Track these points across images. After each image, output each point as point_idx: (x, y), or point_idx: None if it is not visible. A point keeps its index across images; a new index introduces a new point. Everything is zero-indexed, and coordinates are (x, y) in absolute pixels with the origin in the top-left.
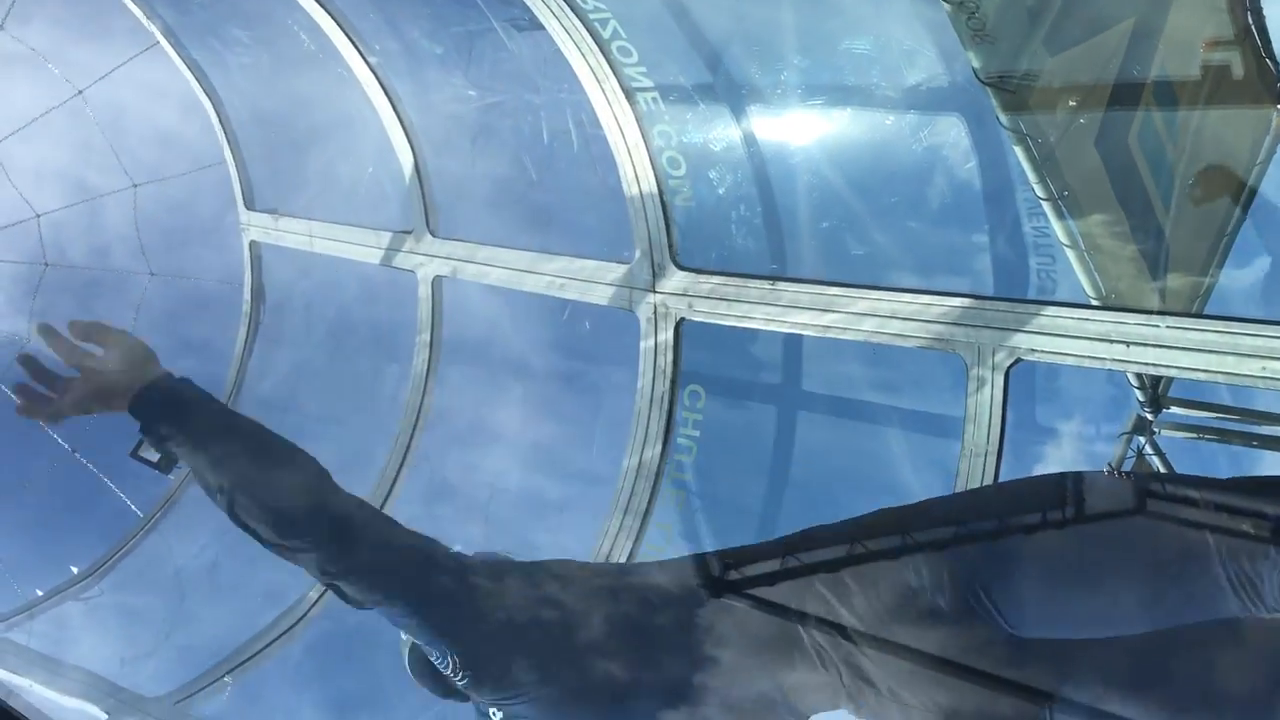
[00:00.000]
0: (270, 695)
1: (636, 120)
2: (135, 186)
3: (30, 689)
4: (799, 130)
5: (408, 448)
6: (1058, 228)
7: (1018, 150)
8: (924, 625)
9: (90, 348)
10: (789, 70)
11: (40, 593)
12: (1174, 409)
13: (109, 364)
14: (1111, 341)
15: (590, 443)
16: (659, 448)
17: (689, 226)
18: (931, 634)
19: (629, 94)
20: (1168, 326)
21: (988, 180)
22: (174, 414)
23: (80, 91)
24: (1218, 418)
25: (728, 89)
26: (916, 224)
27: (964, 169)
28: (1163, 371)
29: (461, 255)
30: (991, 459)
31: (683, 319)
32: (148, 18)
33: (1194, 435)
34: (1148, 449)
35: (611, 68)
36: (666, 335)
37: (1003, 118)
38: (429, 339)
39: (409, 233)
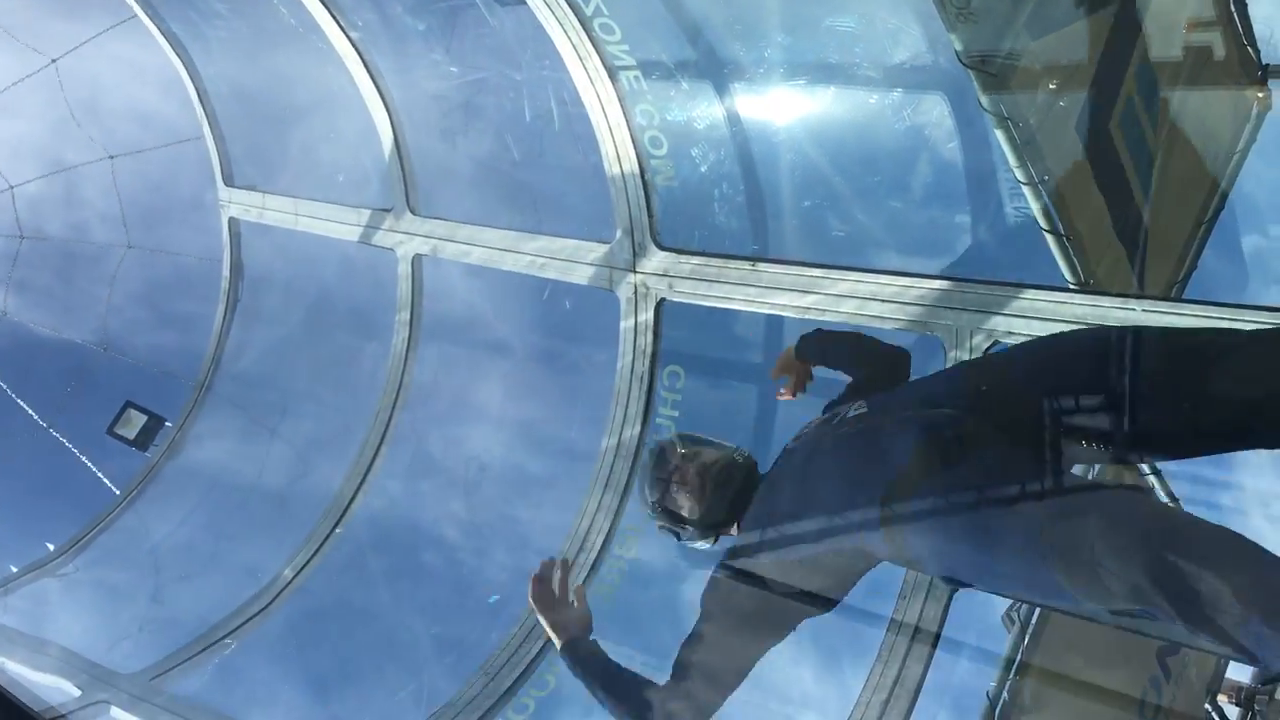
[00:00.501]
0: (247, 671)
1: (618, 98)
2: (112, 159)
3: (3, 664)
4: (782, 109)
5: (388, 424)
6: (1037, 211)
7: (999, 133)
8: None
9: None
10: (772, 48)
11: (15, 569)
12: None
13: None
14: (1088, 324)
15: (570, 421)
16: (639, 427)
17: (671, 206)
18: None
19: (611, 72)
20: (1143, 309)
21: (970, 161)
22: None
23: (53, 61)
24: None
25: (711, 67)
26: (899, 204)
27: (947, 149)
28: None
29: (442, 234)
30: None
31: (663, 299)
32: None
33: None
34: None
35: (594, 45)
36: (647, 315)
37: (984, 100)
38: (409, 317)
39: (389, 210)
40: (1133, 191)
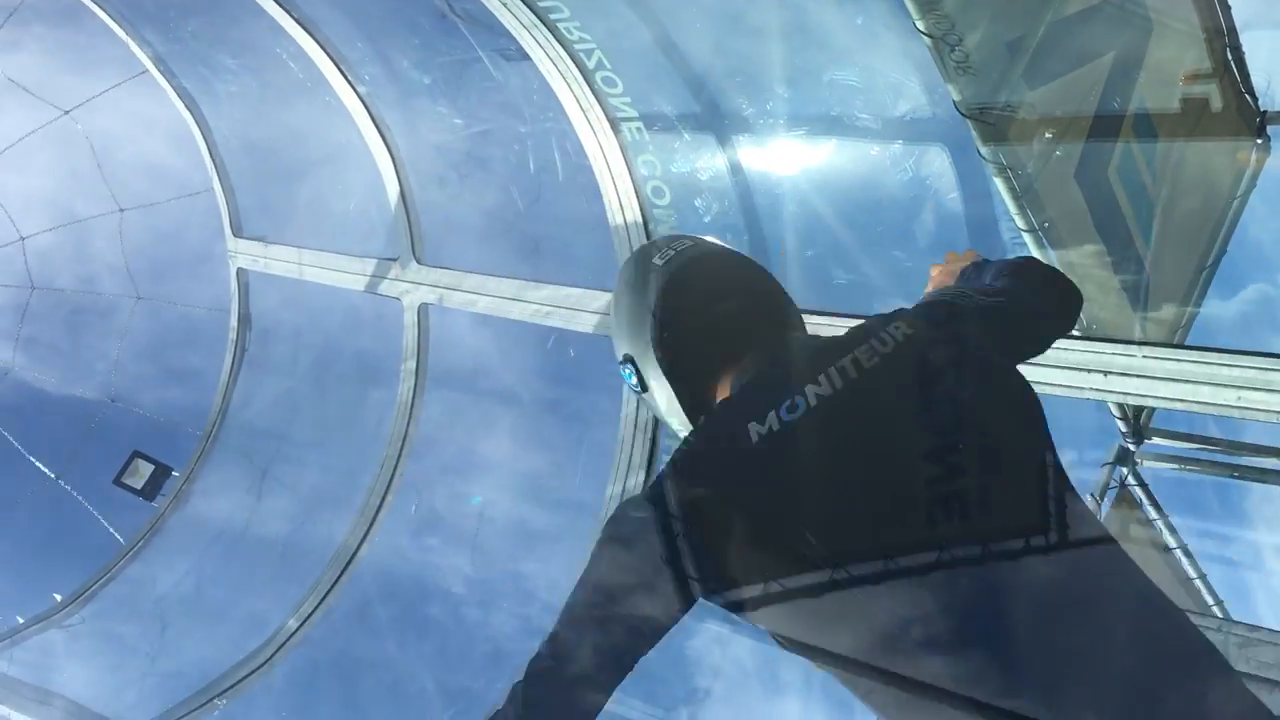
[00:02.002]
0: None
1: (621, 150)
2: (122, 211)
3: (11, 717)
4: (784, 160)
5: (393, 475)
6: (1039, 259)
7: (998, 182)
8: None
9: None
10: (774, 100)
11: (21, 620)
12: (1156, 440)
13: None
14: (1090, 371)
15: (575, 470)
16: (642, 474)
17: None
18: None
19: (614, 124)
20: (1144, 356)
21: (971, 211)
22: None
23: (67, 112)
24: (1200, 448)
25: (713, 119)
26: (901, 253)
27: (948, 199)
28: (1139, 401)
29: (448, 283)
30: None
31: None
32: (137, 45)
33: (1176, 466)
34: (1130, 479)
35: (596, 98)
36: None
37: (983, 150)
38: (414, 366)
39: (395, 260)
40: (1133, 238)
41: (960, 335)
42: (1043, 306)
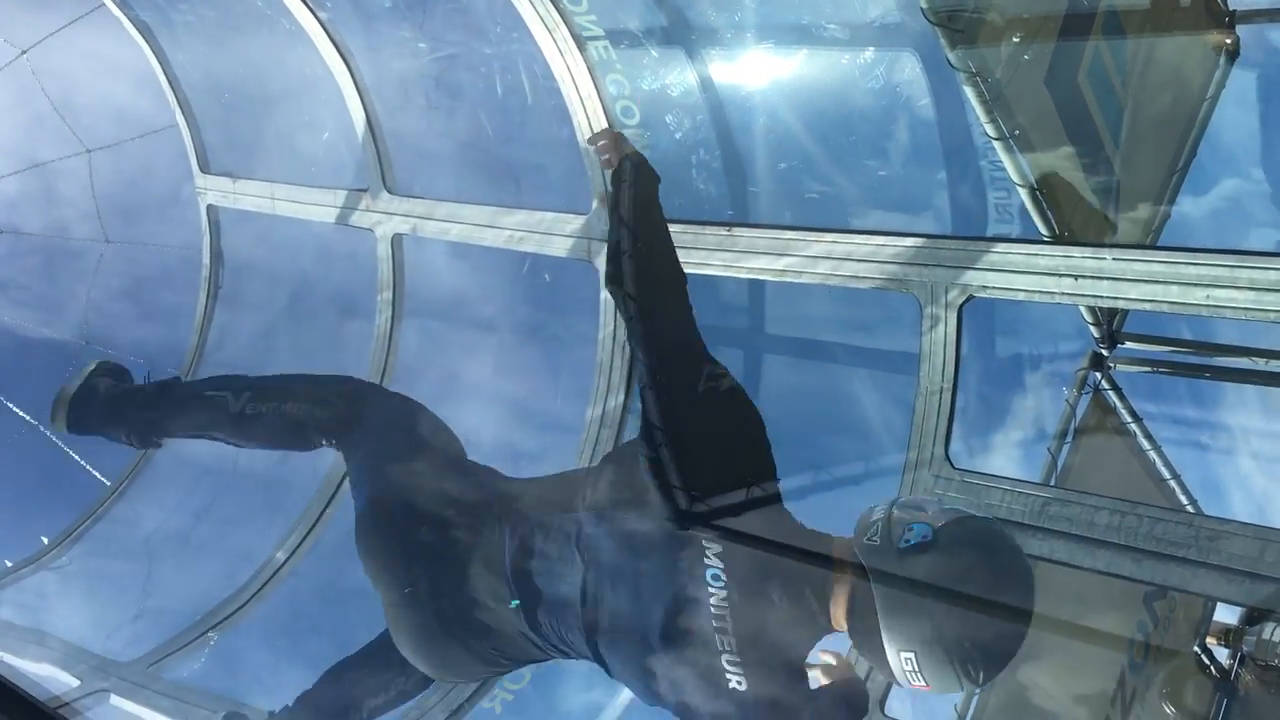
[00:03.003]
0: (245, 655)
1: (589, 69)
2: (89, 152)
3: (5, 659)
4: (754, 73)
5: None
6: (1010, 166)
7: (968, 90)
8: None
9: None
10: (742, 12)
11: (10, 564)
12: (1130, 344)
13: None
14: (1060, 275)
15: (555, 393)
16: (622, 397)
17: None
18: None
19: (580, 42)
20: (1114, 258)
21: (944, 117)
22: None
23: (24, 52)
24: (1173, 351)
25: (680, 33)
26: (874, 164)
27: (919, 107)
28: (1109, 303)
29: (420, 212)
30: (946, 396)
31: None
32: None
33: (1150, 369)
34: (1104, 384)
35: (561, 16)
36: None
37: (951, 57)
38: (390, 297)
39: (365, 190)
40: (1103, 142)
41: None
42: None
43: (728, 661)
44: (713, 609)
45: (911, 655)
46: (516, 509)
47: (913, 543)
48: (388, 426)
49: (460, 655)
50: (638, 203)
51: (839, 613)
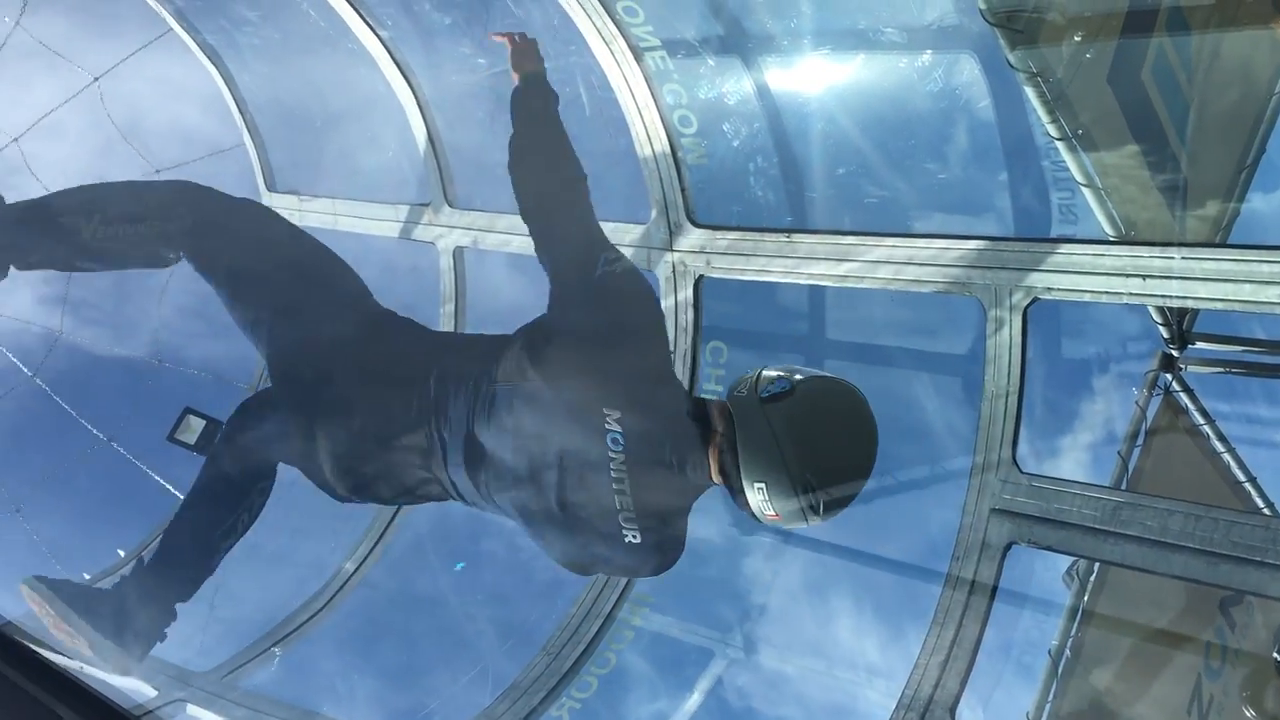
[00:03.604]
0: (316, 663)
1: (646, 80)
2: (158, 172)
3: (80, 670)
4: (811, 78)
5: None
6: (1073, 166)
7: (1028, 90)
8: None
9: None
10: (798, 18)
11: (88, 576)
12: (1201, 344)
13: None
14: (1128, 275)
15: None
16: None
17: (706, 182)
18: None
19: (637, 54)
20: (1183, 257)
21: (1004, 118)
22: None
23: (96, 79)
24: (1246, 351)
25: (736, 41)
26: (933, 167)
27: (979, 109)
28: (1179, 303)
29: (481, 225)
30: (1013, 399)
31: (701, 276)
32: (157, 2)
33: (1222, 369)
34: (1175, 386)
35: (619, 29)
36: (686, 293)
37: (1011, 58)
38: (453, 309)
39: (427, 205)
40: (1169, 140)
41: None
42: None
43: (624, 519)
44: (612, 473)
45: (762, 485)
46: (442, 361)
47: (773, 392)
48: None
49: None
50: (530, 112)
51: (714, 465)
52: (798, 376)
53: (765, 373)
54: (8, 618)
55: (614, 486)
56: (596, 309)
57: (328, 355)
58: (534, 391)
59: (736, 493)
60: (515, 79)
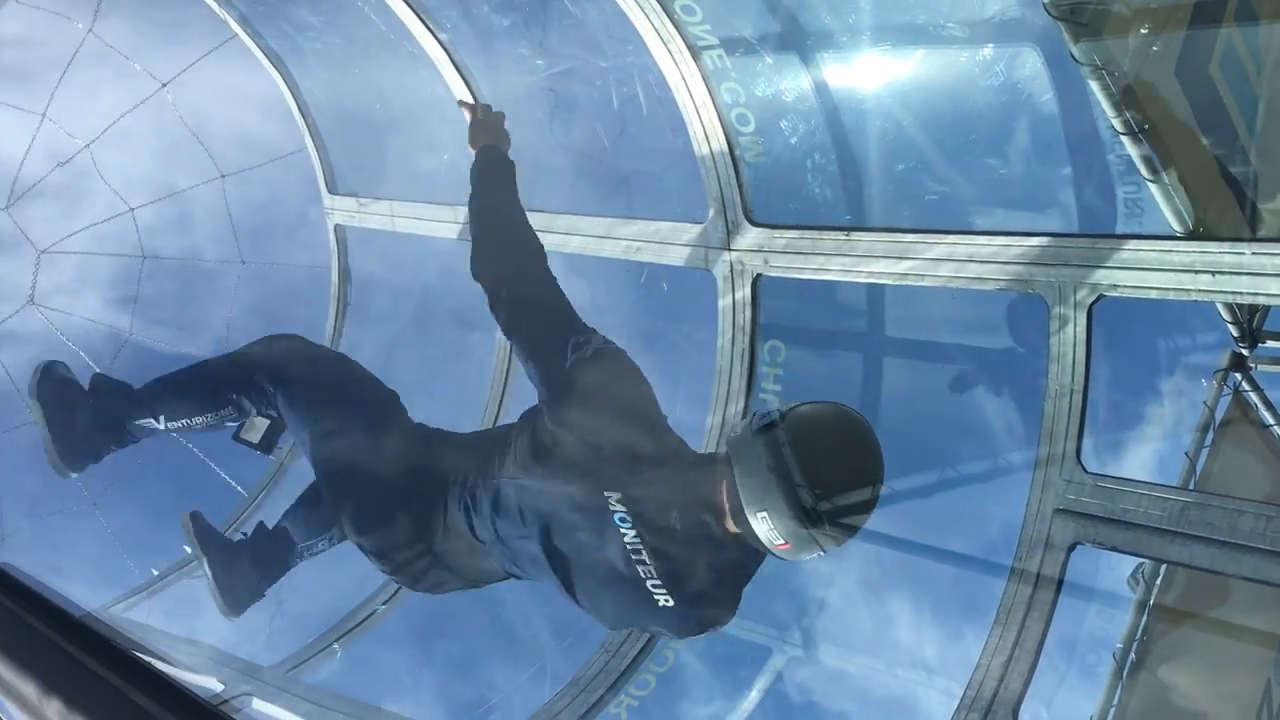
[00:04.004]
0: (378, 659)
1: (703, 79)
2: (223, 177)
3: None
4: (869, 74)
5: (497, 413)
6: (1139, 160)
7: (1093, 84)
8: None
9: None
10: (855, 13)
11: (156, 572)
12: (1271, 343)
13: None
14: (1196, 272)
15: (674, 401)
16: (742, 402)
17: (763, 180)
18: None
19: (694, 52)
20: (1254, 253)
21: (1068, 112)
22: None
23: (164, 85)
24: None
25: (794, 38)
26: (995, 162)
27: (1042, 102)
28: (1249, 299)
29: (539, 225)
30: (1077, 398)
31: (759, 275)
32: (221, 8)
33: None
34: (1244, 385)
35: (676, 27)
36: (744, 292)
37: (1075, 51)
38: None
39: None
40: (1238, 132)
41: None
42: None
43: (652, 586)
44: (628, 546)
45: (765, 514)
46: (464, 464)
47: (764, 423)
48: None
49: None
50: (484, 194)
51: (726, 516)
52: (790, 405)
53: (759, 410)
54: (87, 609)
55: (633, 559)
56: (575, 398)
57: (372, 469)
58: (539, 485)
59: (749, 535)
60: (471, 152)
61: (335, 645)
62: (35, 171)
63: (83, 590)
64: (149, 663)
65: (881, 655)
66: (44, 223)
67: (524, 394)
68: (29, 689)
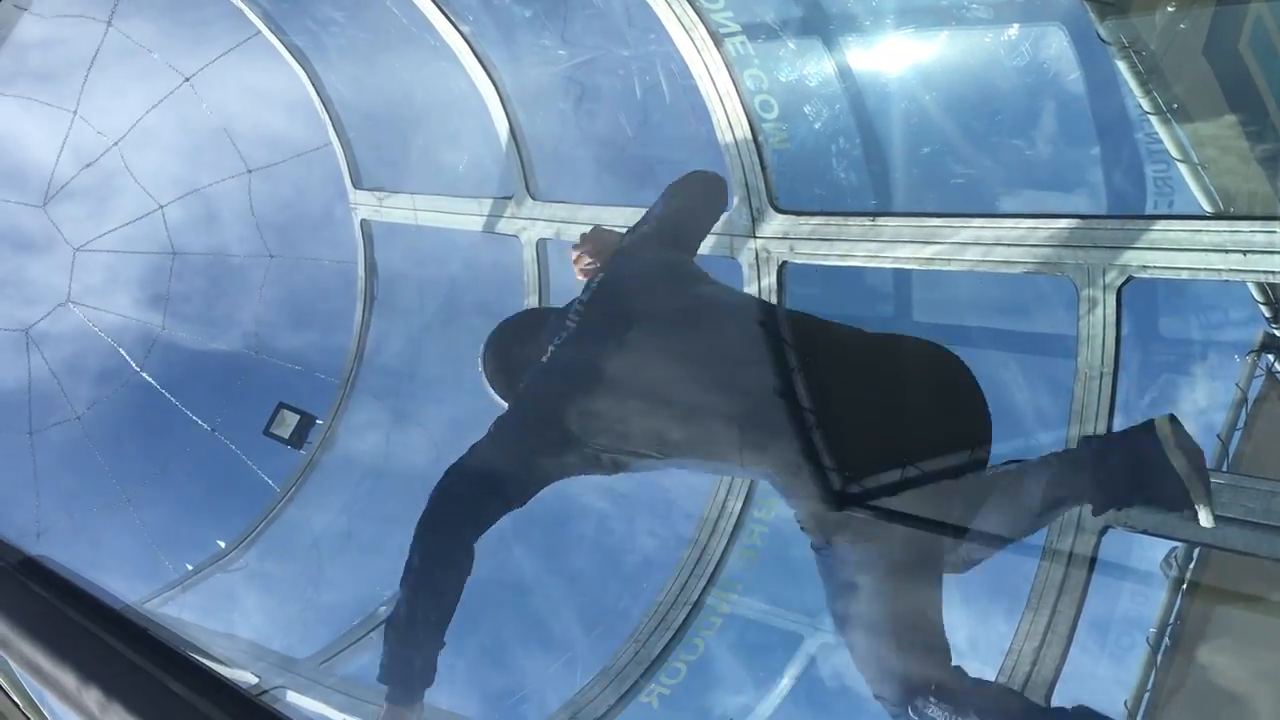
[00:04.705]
0: None
1: (726, 66)
2: (250, 172)
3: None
4: (893, 57)
5: None
6: (1168, 140)
7: (1120, 63)
8: None
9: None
10: None
11: (190, 567)
12: None
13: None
14: (1227, 251)
15: None
16: None
17: (788, 167)
18: None
19: (717, 40)
20: None
21: (1095, 92)
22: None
23: (188, 79)
24: None
25: (816, 23)
26: (1021, 144)
27: (1068, 83)
28: None
29: (564, 217)
30: (1108, 380)
31: (785, 262)
32: (245, 4)
33: None
34: (1277, 367)
35: (698, 15)
36: (770, 279)
37: (1101, 30)
38: (537, 301)
39: (510, 198)
40: (1269, 110)
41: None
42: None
43: None
44: None
45: None
46: None
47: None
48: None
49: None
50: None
51: None
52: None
53: None
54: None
55: None
56: None
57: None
58: None
59: None
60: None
61: (371, 635)
62: (63, 171)
63: (119, 584)
64: (185, 653)
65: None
66: (72, 221)
67: None
68: (68, 679)
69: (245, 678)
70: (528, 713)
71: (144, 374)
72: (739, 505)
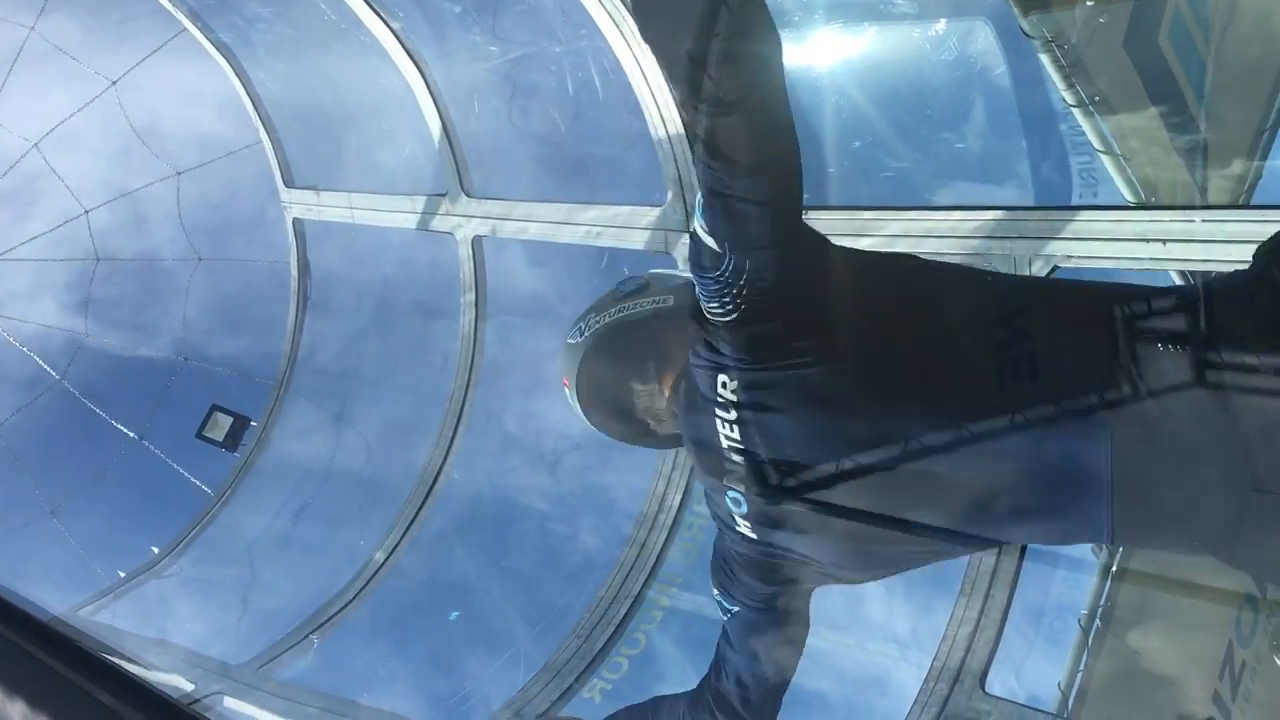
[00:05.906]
0: (350, 652)
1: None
2: (178, 175)
3: (116, 664)
4: (824, 52)
5: (463, 404)
6: (1091, 132)
7: (1044, 57)
8: None
9: None
10: None
11: (123, 574)
12: None
13: None
14: (1148, 240)
15: None
16: None
17: None
18: None
19: None
20: (1204, 220)
21: (1020, 86)
22: None
23: (114, 83)
24: None
25: None
26: (949, 137)
27: (994, 77)
28: (1200, 266)
29: (498, 213)
30: None
31: None
32: (170, 3)
33: None
34: None
35: (627, 9)
36: None
37: (1025, 24)
38: (474, 298)
39: (444, 195)
40: (1188, 101)
41: None
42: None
43: None
44: None
45: None
46: None
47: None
48: None
49: None
50: None
51: None
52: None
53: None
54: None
55: None
56: None
57: None
58: None
59: None
60: None
61: (313, 637)
62: None
63: (49, 595)
64: (115, 663)
65: (851, 629)
66: None
67: (490, 383)
68: None
69: (180, 685)
70: (471, 711)
71: (65, 382)
72: (678, 499)
